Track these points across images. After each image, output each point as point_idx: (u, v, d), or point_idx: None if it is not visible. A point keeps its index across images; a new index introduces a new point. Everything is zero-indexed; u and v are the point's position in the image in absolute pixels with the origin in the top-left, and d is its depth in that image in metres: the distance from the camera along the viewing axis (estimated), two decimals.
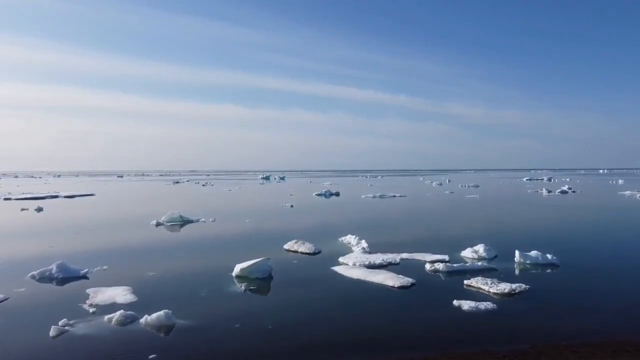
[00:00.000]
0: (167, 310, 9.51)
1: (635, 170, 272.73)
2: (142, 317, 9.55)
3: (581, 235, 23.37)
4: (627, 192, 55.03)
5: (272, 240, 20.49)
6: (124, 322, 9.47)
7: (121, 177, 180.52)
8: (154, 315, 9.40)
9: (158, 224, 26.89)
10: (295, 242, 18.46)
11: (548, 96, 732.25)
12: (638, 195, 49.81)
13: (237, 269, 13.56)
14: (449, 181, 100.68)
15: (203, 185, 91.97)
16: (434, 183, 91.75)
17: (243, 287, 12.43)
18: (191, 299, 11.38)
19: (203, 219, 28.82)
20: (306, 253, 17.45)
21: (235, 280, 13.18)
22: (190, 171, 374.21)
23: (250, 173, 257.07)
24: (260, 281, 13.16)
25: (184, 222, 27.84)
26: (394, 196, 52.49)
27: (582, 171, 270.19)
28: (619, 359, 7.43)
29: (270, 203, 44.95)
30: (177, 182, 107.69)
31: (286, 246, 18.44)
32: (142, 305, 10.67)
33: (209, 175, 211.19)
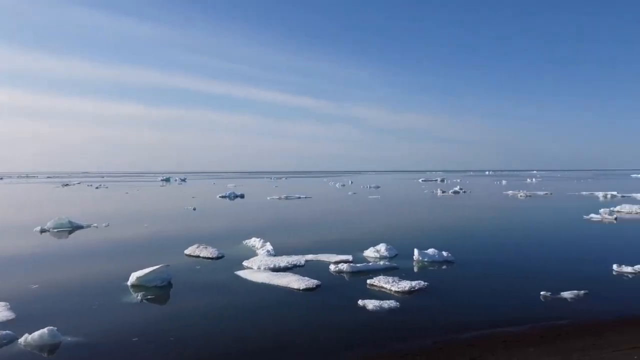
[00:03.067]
0: (51, 327, 8.59)
1: (515, 172, 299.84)
2: (21, 336, 8.53)
3: (473, 232, 25.03)
4: (510, 192, 60.31)
5: (172, 245, 19.58)
6: None
7: (0, 179, 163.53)
8: (36, 334, 8.44)
9: (43, 231, 24.62)
10: (197, 247, 17.76)
11: (443, 101, 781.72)
12: (519, 195, 54.75)
13: (133, 277, 12.70)
14: (352, 182, 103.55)
15: (96, 187, 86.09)
16: (338, 184, 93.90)
17: (140, 297, 11.65)
18: (80, 313, 10.42)
19: (95, 224, 26.85)
20: (209, 258, 16.84)
21: (131, 290, 12.32)
22: (83, 173, 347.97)
23: (149, 175, 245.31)
24: (159, 289, 12.42)
25: (73, 227, 25.74)
26: (299, 197, 52.85)
27: (471, 173, 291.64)
28: (511, 350, 7.93)
29: (171, 206, 43.16)
30: (67, 185, 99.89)
31: (187, 251, 17.68)
32: (21, 322, 9.54)
33: (103, 177, 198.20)
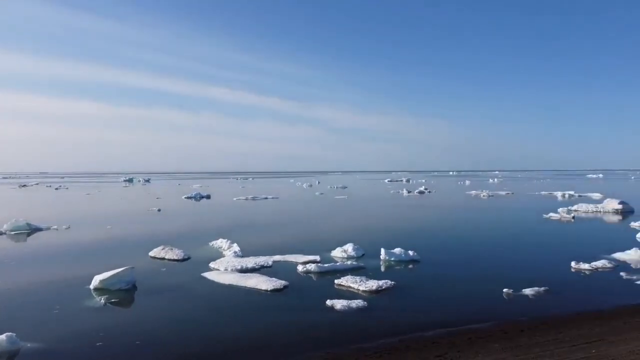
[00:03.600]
0: (10, 333, 8.30)
1: (478, 172, 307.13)
2: None
3: (438, 231, 25.49)
4: (473, 192, 61.75)
5: (136, 247, 19.18)
6: None
7: None
8: None
9: None
10: (162, 249, 17.45)
11: (407, 103, 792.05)
12: (482, 195, 56.09)
13: (96, 280, 12.38)
14: (319, 183, 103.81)
15: (56, 188, 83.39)
16: (305, 185, 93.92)
17: (103, 301, 11.36)
18: (41, 318, 10.09)
19: (55, 226, 26.02)
20: (174, 260, 16.58)
21: (94, 294, 12.00)
22: (41, 173, 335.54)
23: (111, 175, 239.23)
24: (123, 292, 12.14)
25: (32, 230, 24.89)
26: (266, 198, 52.60)
27: (435, 173, 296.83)
28: (475, 346, 8.12)
29: (135, 207, 42.25)
30: (24, 186, 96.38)
31: (152, 253, 17.36)
32: None
33: (63, 177, 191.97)
